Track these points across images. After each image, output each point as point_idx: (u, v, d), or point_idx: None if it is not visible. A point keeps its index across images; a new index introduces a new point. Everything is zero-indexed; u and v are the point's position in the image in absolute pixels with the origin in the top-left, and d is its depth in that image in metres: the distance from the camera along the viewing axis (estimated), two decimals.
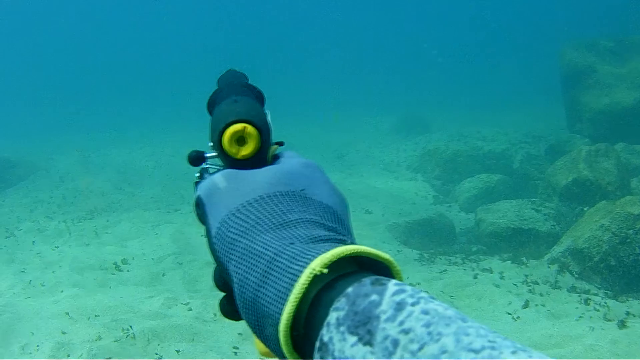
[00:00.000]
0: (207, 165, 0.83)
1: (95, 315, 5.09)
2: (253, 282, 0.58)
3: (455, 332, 0.42)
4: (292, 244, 0.59)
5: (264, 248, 0.60)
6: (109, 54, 34.40)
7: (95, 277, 6.23)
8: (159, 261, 6.73)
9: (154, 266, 6.57)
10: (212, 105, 0.86)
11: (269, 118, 0.82)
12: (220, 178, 0.72)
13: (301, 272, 0.53)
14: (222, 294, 0.72)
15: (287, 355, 0.54)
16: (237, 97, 0.82)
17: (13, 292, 5.81)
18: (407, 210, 8.91)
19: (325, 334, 0.49)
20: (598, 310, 5.06)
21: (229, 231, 0.64)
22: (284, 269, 0.55)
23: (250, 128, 0.75)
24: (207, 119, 0.83)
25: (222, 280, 0.70)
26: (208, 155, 0.83)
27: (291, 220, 0.63)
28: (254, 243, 0.61)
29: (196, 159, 0.83)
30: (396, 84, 22.70)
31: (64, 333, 4.76)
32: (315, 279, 0.53)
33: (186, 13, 41.18)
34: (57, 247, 7.39)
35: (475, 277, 6.06)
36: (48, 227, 8.37)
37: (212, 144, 0.79)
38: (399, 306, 0.46)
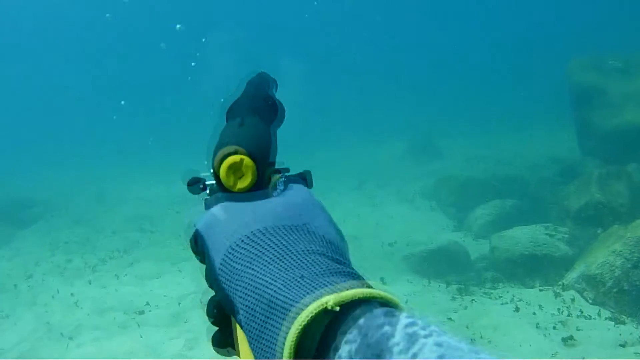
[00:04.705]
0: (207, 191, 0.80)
1: (117, 359, 5.23)
2: (260, 313, 0.57)
3: None
4: (302, 277, 0.58)
5: (272, 279, 0.59)
6: (126, 77, 33.62)
7: (116, 319, 6.37)
8: (179, 301, 6.85)
9: (175, 306, 6.68)
10: (230, 115, 0.84)
11: (275, 139, 0.80)
12: (219, 210, 0.71)
13: (310, 304, 0.53)
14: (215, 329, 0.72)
15: None
16: (246, 118, 0.80)
17: (36, 336, 5.97)
18: (421, 239, 8.97)
19: None
20: (612, 334, 5.09)
21: (234, 262, 0.64)
22: (292, 301, 0.55)
23: (247, 160, 0.73)
24: None
25: (219, 313, 0.70)
26: (208, 183, 0.80)
27: (297, 252, 0.62)
28: (261, 274, 0.60)
29: (195, 186, 0.81)
30: (407, 106, 22.64)
31: None
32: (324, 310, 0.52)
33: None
34: (77, 288, 7.54)
35: (494, 307, 6.11)
36: (68, 268, 8.53)
37: (212, 170, 0.77)
38: (412, 338, 0.45)
